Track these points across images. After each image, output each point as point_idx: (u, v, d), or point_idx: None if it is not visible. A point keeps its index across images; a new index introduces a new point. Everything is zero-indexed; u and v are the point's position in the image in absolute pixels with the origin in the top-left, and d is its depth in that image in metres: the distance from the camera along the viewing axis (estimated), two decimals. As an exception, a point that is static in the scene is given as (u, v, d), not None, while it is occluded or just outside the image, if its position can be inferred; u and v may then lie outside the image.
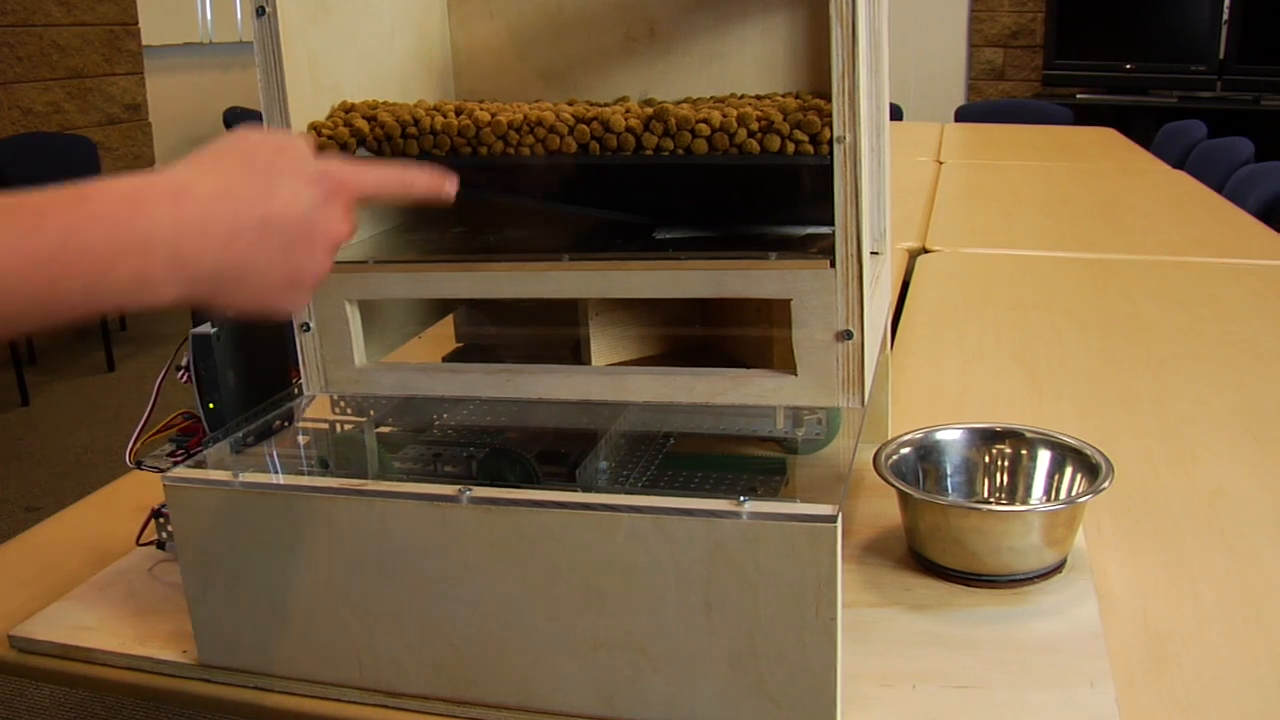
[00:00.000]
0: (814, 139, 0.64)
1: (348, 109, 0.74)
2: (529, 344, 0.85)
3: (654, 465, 0.81)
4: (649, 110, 0.67)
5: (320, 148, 0.70)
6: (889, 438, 0.85)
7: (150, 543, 0.83)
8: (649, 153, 0.67)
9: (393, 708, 0.67)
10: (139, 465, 0.77)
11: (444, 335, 0.88)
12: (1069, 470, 0.82)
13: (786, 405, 0.71)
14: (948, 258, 1.80)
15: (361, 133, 0.70)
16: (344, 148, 0.70)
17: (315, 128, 0.71)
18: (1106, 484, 0.77)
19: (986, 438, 0.85)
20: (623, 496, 0.61)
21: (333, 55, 0.74)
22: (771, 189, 0.73)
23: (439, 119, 0.70)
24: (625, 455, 0.80)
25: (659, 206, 0.80)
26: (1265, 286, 1.57)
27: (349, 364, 0.73)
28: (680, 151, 0.66)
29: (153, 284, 0.48)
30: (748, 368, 0.68)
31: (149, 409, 0.77)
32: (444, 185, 0.61)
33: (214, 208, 0.50)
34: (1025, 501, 0.83)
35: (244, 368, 0.77)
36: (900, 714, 0.63)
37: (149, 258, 0.47)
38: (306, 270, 0.53)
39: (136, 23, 4.56)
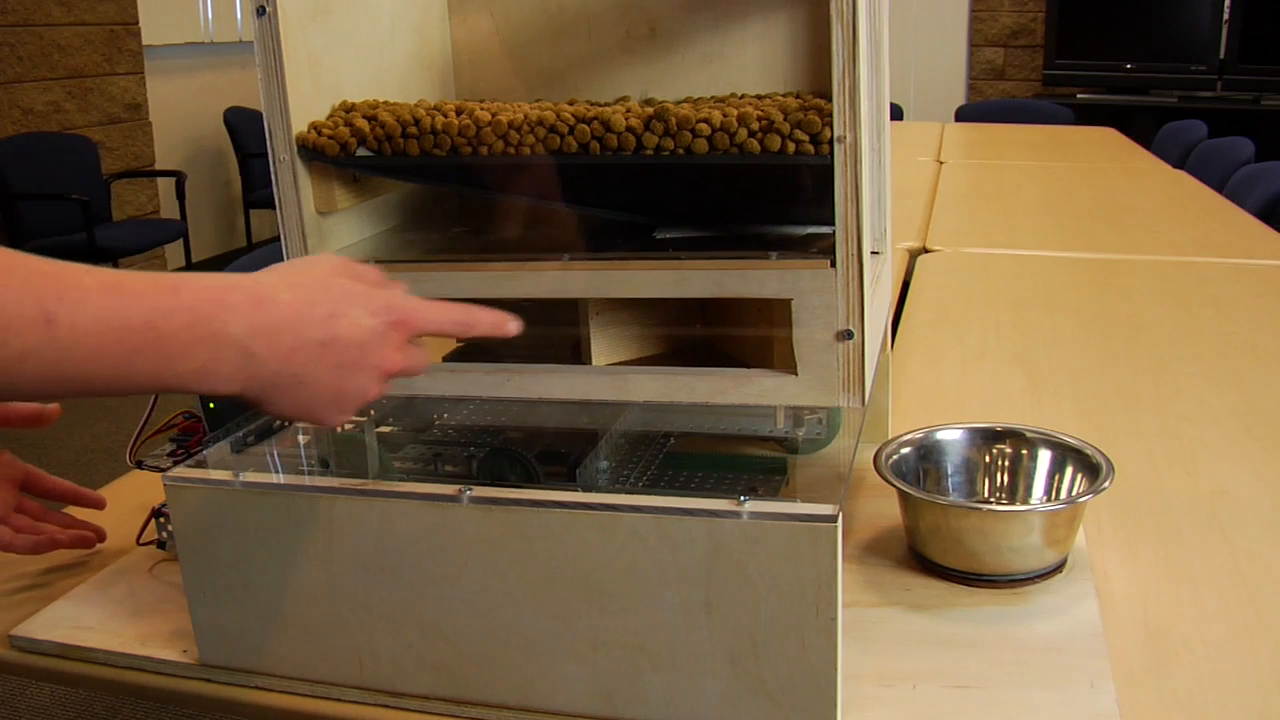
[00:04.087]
0: (814, 139, 0.64)
1: (348, 109, 0.74)
2: (529, 344, 0.85)
3: (654, 465, 0.81)
4: (649, 110, 0.67)
5: (320, 148, 0.70)
6: (889, 437, 0.85)
7: (150, 543, 0.83)
8: (649, 153, 0.67)
9: (393, 708, 0.67)
10: (139, 465, 0.77)
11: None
12: (1069, 470, 0.82)
13: (787, 405, 0.71)
14: (948, 258, 1.80)
15: (362, 132, 0.70)
16: (344, 147, 0.70)
17: (315, 127, 0.71)
18: (1107, 484, 0.77)
19: (987, 438, 0.85)
20: (623, 496, 0.61)
21: (333, 55, 0.74)
22: (772, 189, 0.73)
23: (439, 119, 0.70)
24: (625, 455, 0.80)
25: (659, 206, 0.80)
26: (1266, 286, 1.57)
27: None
28: (680, 151, 0.66)
29: (215, 377, 0.53)
30: (748, 367, 0.68)
31: (149, 409, 0.77)
32: (506, 324, 0.63)
33: (286, 321, 0.54)
34: (1025, 501, 0.83)
35: (244, 367, 0.77)
36: (900, 714, 0.63)
37: (219, 353, 0.52)
38: (353, 391, 0.58)
39: (137, 22, 4.57)
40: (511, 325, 0.64)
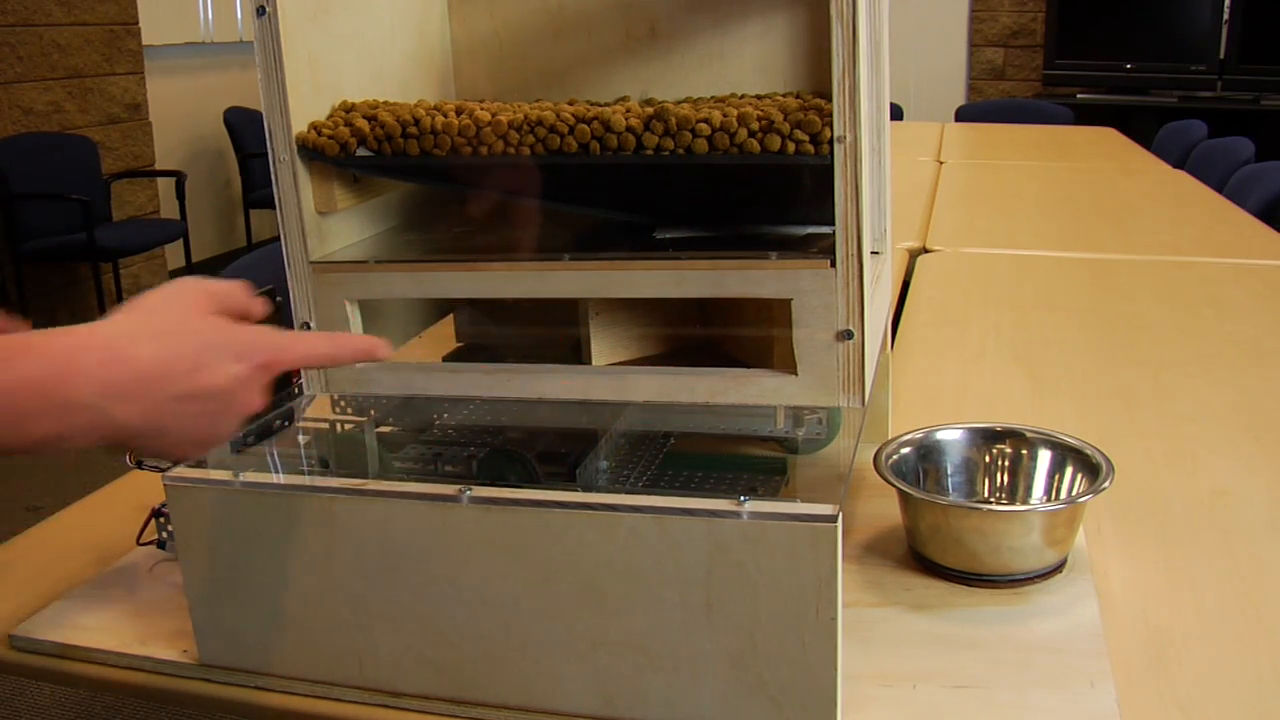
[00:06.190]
0: (814, 139, 0.64)
1: (348, 109, 0.74)
2: (529, 344, 0.85)
3: (654, 465, 0.81)
4: (649, 110, 0.67)
5: (320, 148, 0.70)
6: (889, 437, 0.85)
7: (150, 543, 0.83)
8: (649, 153, 0.67)
9: (393, 708, 0.67)
10: (139, 465, 0.77)
11: (444, 335, 0.88)
12: (1069, 470, 0.82)
13: (787, 405, 0.71)
14: (948, 258, 1.80)
15: (362, 132, 0.70)
16: (344, 147, 0.70)
17: (315, 127, 0.71)
18: (1107, 484, 0.77)
19: (987, 438, 0.85)
20: (623, 496, 0.61)
21: (333, 55, 0.74)
22: (772, 189, 0.73)
23: (439, 119, 0.70)
24: (625, 455, 0.80)
25: (659, 206, 0.80)
26: (1266, 286, 1.57)
27: (349, 364, 0.73)
28: (680, 151, 0.66)
29: (70, 438, 0.51)
30: (748, 367, 0.68)
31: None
32: (376, 350, 0.63)
33: (143, 377, 0.53)
34: (1025, 501, 0.83)
35: (244, 367, 0.77)
36: (900, 714, 0.63)
37: (71, 419, 0.50)
38: (214, 435, 0.57)
39: (136, 22, 4.56)
40: (381, 349, 0.63)
